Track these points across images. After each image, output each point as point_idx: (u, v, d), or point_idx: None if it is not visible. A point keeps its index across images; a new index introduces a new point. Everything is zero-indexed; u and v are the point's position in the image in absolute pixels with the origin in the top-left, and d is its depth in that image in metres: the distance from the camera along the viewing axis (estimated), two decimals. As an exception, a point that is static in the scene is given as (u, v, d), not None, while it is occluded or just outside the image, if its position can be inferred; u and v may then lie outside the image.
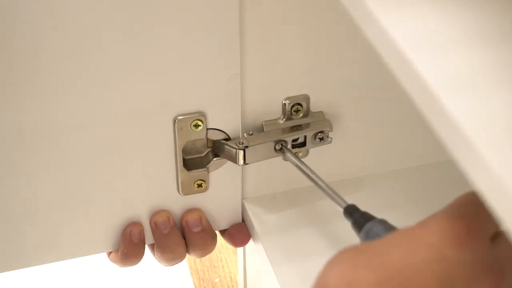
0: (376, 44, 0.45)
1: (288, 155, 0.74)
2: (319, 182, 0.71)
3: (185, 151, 0.73)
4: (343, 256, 0.48)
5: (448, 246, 0.46)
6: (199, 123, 0.71)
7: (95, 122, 0.69)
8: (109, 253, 0.78)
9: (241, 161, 0.73)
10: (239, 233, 0.79)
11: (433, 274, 0.45)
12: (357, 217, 0.64)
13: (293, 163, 0.73)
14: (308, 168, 0.72)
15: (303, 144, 0.75)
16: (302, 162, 0.73)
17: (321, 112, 0.76)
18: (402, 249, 0.47)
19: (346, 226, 0.78)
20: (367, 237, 0.61)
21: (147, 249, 0.78)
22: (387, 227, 0.60)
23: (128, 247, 0.76)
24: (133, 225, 0.76)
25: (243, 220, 0.80)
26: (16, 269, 0.76)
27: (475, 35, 0.43)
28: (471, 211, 0.47)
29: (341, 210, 0.66)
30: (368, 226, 0.61)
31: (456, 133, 0.38)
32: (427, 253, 0.46)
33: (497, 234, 0.48)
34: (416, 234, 0.47)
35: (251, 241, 0.80)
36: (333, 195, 0.69)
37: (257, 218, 0.78)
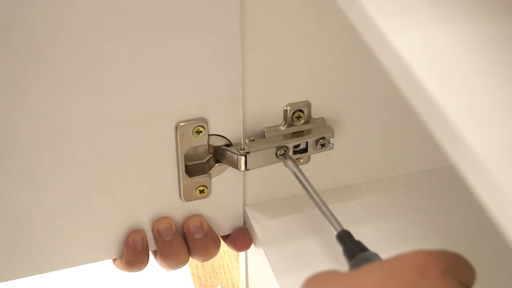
0: (376, 50, 0.46)
1: (289, 162, 0.74)
2: (315, 197, 0.71)
3: (186, 157, 0.73)
4: (315, 280, 0.48)
5: (422, 278, 0.46)
6: (201, 129, 0.72)
7: (97, 129, 0.69)
8: (114, 260, 0.78)
9: (242, 167, 0.73)
10: (241, 237, 0.79)
11: None
12: (350, 245, 0.63)
13: (292, 172, 0.73)
14: (307, 180, 0.72)
15: (305, 150, 0.75)
16: (301, 172, 0.73)
17: (322, 118, 0.76)
18: (378, 279, 0.46)
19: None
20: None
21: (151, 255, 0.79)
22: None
23: (132, 255, 0.76)
24: (135, 233, 0.76)
25: (244, 225, 0.80)
26: (18, 278, 0.76)
27: (476, 42, 0.44)
28: (451, 259, 0.48)
29: (334, 232, 0.66)
30: (359, 257, 0.61)
31: (456, 139, 0.38)
32: (402, 285, 0.46)
33: None
34: (392, 265, 0.47)
35: (253, 247, 0.80)
36: (328, 215, 0.69)
37: (258, 224, 0.78)
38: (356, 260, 0.61)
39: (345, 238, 0.65)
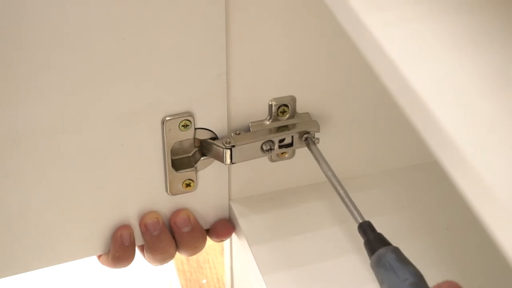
0: (361, 45, 0.46)
1: (313, 148, 0.74)
2: (337, 186, 0.71)
3: (172, 151, 0.73)
4: None
5: None
6: (188, 123, 0.72)
7: (83, 125, 0.69)
8: (99, 256, 0.78)
9: (228, 160, 0.73)
10: (222, 224, 0.79)
11: None
12: (371, 237, 0.64)
13: (314, 157, 0.73)
14: (328, 167, 0.72)
15: (290, 144, 0.76)
16: (324, 160, 0.72)
17: (307, 113, 0.76)
18: None
19: (331, 226, 0.78)
20: (379, 263, 0.61)
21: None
22: (399, 257, 0.60)
23: (120, 251, 0.76)
24: (123, 228, 0.76)
25: (230, 219, 0.80)
26: (5, 276, 0.76)
27: (461, 38, 0.44)
28: None
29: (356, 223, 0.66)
30: (380, 252, 0.61)
31: (438, 133, 0.38)
32: None
33: None
34: None
35: (237, 241, 0.81)
36: (350, 205, 0.69)
37: (243, 219, 0.78)
38: (377, 255, 0.61)
39: (366, 229, 0.65)
